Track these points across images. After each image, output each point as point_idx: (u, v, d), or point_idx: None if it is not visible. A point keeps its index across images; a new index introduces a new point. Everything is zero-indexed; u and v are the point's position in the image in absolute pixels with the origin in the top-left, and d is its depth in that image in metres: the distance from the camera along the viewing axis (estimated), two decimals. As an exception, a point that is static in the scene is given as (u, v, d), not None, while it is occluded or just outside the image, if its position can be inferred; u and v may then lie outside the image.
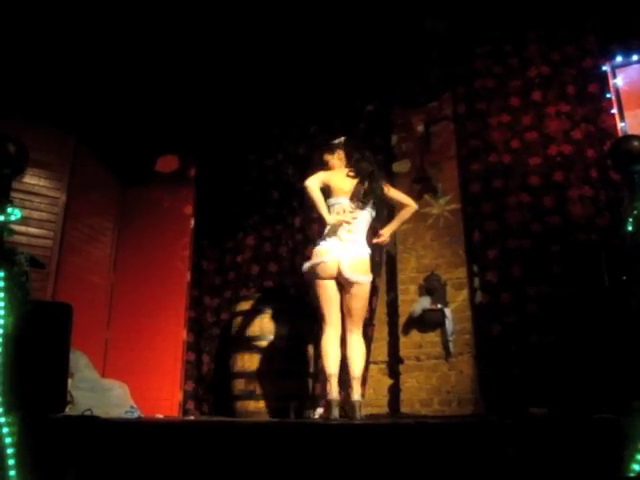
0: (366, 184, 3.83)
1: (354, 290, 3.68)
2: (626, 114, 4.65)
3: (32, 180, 5.14)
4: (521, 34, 5.11)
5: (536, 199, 4.68)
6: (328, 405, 3.53)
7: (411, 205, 3.94)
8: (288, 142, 5.91)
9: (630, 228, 2.58)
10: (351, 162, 4.01)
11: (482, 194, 4.91)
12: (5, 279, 2.28)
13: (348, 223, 3.72)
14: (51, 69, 5.15)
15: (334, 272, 3.68)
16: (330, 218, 3.74)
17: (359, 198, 3.79)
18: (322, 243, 3.79)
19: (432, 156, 5.27)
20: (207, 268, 6.04)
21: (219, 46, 5.35)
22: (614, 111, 4.66)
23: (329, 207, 3.81)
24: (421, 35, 5.23)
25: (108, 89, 5.58)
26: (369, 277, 3.74)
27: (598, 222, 4.40)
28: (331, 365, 3.60)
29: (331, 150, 4.12)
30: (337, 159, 4.08)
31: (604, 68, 4.78)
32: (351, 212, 3.77)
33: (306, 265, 3.79)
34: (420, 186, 5.18)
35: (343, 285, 3.72)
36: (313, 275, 3.74)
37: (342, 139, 4.17)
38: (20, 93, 5.03)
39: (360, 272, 3.68)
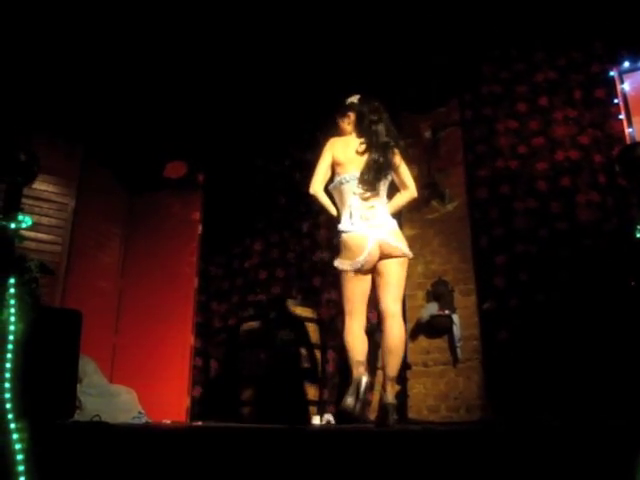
0: (379, 156, 3.32)
1: (396, 261, 3.24)
2: (634, 119, 4.65)
3: (41, 186, 5.18)
4: (528, 39, 5.11)
5: (543, 204, 4.67)
6: (357, 386, 3.03)
7: (409, 190, 3.46)
8: (295, 147, 5.92)
9: (639, 235, 2.57)
10: (362, 127, 3.44)
11: (489, 200, 4.91)
12: (15, 286, 2.30)
13: (370, 198, 3.30)
14: (60, 79, 5.20)
15: (376, 259, 3.23)
16: (348, 201, 3.32)
17: (369, 175, 3.29)
18: (349, 229, 3.26)
19: (439, 162, 5.26)
20: (214, 273, 6.06)
21: (226, 52, 5.37)
22: (621, 116, 4.65)
23: (341, 184, 3.37)
24: (428, 41, 5.24)
25: (115, 97, 5.62)
26: (411, 253, 3.32)
27: (606, 228, 4.38)
28: (359, 352, 3.17)
29: (343, 112, 3.59)
30: (347, 124, 3.56)
31: (611, 73, 4.78)
32: (371, 189, 3.31)
33: (350, 264, 3.24)
34: (427, 192, 5.18)
35: (381, 261, 3.26)
36: (348, 271, 3.25)
37: (355, 98, 3.59)
38: (30, 102, 5.08)
39: (404, 244, 3.28)
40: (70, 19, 4.77)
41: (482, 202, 4.95)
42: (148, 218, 6.23)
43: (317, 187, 3.42)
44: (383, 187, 3.39)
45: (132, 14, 4.84)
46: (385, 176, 3.36)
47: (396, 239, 3.26)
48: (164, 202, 6.23)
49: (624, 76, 4.80)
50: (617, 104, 4.70)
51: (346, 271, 3.26)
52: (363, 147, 3.37)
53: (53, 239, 5.22)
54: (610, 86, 4.76)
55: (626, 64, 4.79)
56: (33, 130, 4.92)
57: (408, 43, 5.25)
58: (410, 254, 3.31)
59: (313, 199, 3.47)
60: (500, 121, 5.05)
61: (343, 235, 3.28)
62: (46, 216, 5.20)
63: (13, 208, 2.38)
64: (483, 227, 4.89)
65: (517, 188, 4.81)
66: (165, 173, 6.23)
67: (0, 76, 4.74)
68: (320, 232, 5.46)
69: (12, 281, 2.29)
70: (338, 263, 3.31)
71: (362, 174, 3.32)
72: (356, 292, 3.28)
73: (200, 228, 6.16)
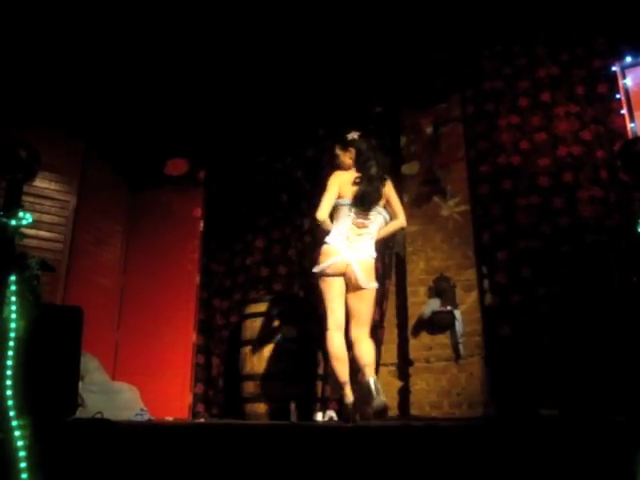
0: (367, 187, 3.72)
1: (362, 293, 3.65)
2: (636, 114, 4.63)
3: (42, 184, 5.18)
4: (530, 34, 5.09)
5: (545, 200, 4.66)
6: (346, 409, 3.51)
7: (399, 220, 3.89)
8: (297, 145, 5.91)
9: (640, 230, 2.56)
10: (359, 163, 3.85)
11: (491, 195, 4.90)
12: (17, 283, 2.30)
13: (363, 226, 3.71)
14: (62, 75, 5.19)
15: (342, 269, 3.63)
16: (341, 221, 3.73)
17: (359, 203, 3.71)
18: (330, 241, 3.70)
19: (441, 158, 5.26)
20: (216, 270, 6.06)
21: (228, 50, 5.36)
22: (624, 112, 4.64)
23: (339, 206, 3.74)
24: (429, 37, 5.23)
25: (117, 94, 5.62)
26: (376, 284, 3.72)
27: (608, 223, 4.37)
28: (343, 372, 3.54)
29: (344, 146, 3.97)
30: (349, 158, 3.92)
31: (613, 69, 4.76)
32: (364, 217, 3.72)
33: (317, 267, 3.70)
34: (429, 188, 5.17)
35: (349, 286, 3.67)
36: (321, 273, 3.67)
37: (355, 136, 3.96)
38: (32, 99, 5.08)
39: (369, 278, 3.65)
40: (72, 15, 4.76)
41: (484, 198, 4.94)
42: (150, 215, 6.22)
43: (325, 215, 3.78)
44: (376, 221, 3.77)
45: (134, 10, 4.83)
46: (375, 206, 3.73)
47: (362, 270, 3.62)
48: (165, 199, 6.22)
49: (626, 71, 4.79)
50: (619, 99, 4.69)
51: (318, 273, 3.70)
52: (358, 180, 3.77)
53: (54, 237, 5.22)
54: (612, 81, 4.74)
55: (628, 59, 4.77)
56: (34, 126, 4.90)
57: (409, 38, 5.24)
58: (374, 286, 3.70)
59: (319, 223, 3.82)
60: (502, 117, 5.03)
61: (324, 245, 3.74)
62: (47, 214, 5.20)
63: (14, 205, 2.38)
64: (485, 223, 4.88)
65: (519, 184, 4.80)
66: (166, 170, 6.22)
67: (1, 72, 4.74)
68: (322, 229, 5.45)
69: (13, 278, 2.28)
70: (314, 268, 3.76)
71: (354, 201, 3.72)
72: (331, 292, 3.67)
73: (202, 225, 6.16)
